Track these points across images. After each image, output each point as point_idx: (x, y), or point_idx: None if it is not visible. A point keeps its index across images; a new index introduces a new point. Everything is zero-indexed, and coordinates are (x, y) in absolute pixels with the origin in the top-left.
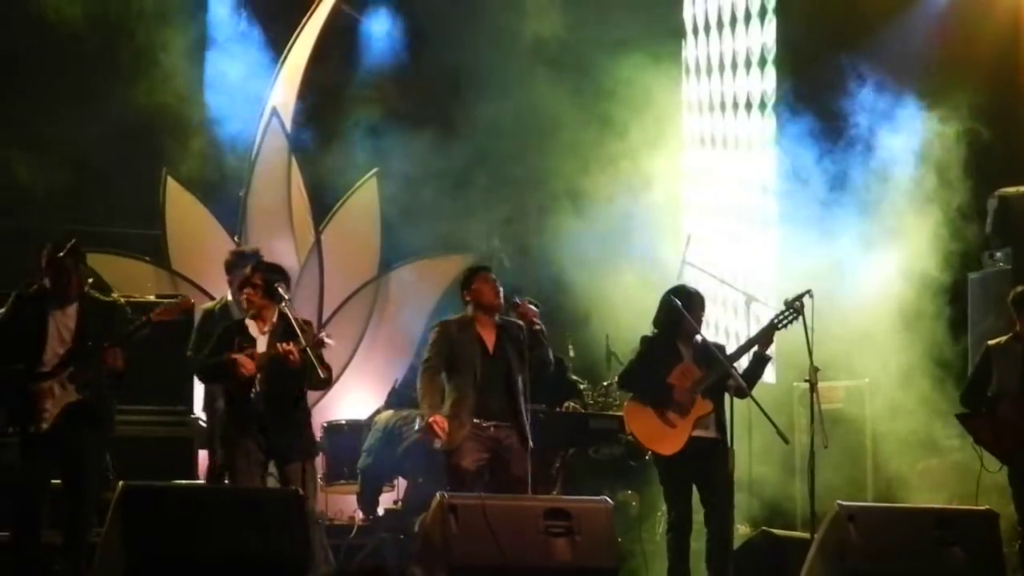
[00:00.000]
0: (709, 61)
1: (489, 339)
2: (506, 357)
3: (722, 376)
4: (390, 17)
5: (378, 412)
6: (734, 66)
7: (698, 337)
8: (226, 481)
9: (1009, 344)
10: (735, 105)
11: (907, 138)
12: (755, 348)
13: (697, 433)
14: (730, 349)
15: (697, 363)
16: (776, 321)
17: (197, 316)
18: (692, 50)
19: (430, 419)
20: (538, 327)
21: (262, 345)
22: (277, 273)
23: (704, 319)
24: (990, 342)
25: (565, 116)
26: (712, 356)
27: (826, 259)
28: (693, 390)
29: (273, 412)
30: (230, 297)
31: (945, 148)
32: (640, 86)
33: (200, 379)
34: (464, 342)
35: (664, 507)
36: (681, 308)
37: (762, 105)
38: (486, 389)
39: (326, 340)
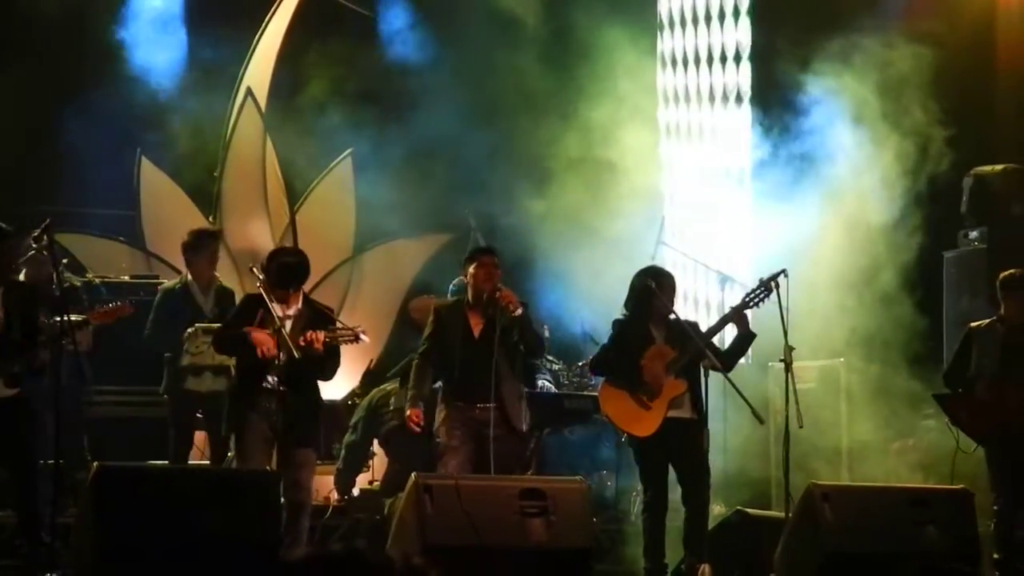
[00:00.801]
0: (685, 52)
1: (476, 325)
2: (491, 342)
3: (696, 355)
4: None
5: (353, 393)
6: (709, 59)
7: (671, 316)
8: (230, 455)
9: (991, 326)
10: (711, 95)
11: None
12: (732, 326)
13: (672, 414)
14: (705, 329)
15: (670, 343)
16: (748, 299)
17: (158, 296)
18: (668, 41)
19: (408, 412)
20: (518, 312)
21: (286, 328)
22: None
23: (675, 299)
24: (972, 324)
25: (541, 96)
26: (686, 335)
27: (800, 239)
28: (666, 371)
29: (290, 392)
30: (189, 276)
31: (920, 128)
32: (616, 65)
33: (217, 348)
34: (451, 326)
35: (640, 487)
36: (652, 288)
37: (738, 98)
38: (468, 373)
39: (362, 337)
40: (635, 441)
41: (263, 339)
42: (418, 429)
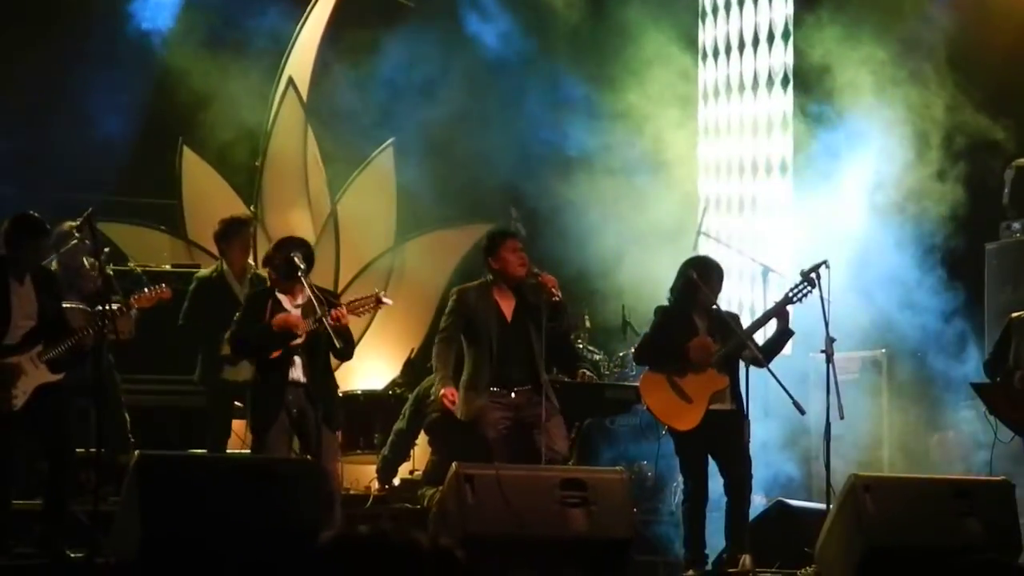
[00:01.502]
0: (728, 40)
1: (507, 307)
2: (524, 325)
3: (737, 348)
4: None
5: (394, 383)
6: (755, 41)
7: (714, 308)
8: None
9: None
10: (755, 83)
11: (922, 110)
12: (773, 321)
13: (714, 407)
14: (745, 320)
15: (712, 335)
16: (791, 294)
17: (193, 283)
18: (710, 30)
19: (441, 392)
20: (558, 299)
21: (297, 315)
22: (297, 247)
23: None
24: (1013, 315)
25: (582, 85)
26: (727, 328)
27: (842, 229)
28: (709, 363)
29: (308, 380)
30: (224, 265)
31: (963, 118)
32: (658, 57)
33: (237, 350)
34: (481, 310)
35: (680, 478)
36: (697, 279)
37: (784, 80)
38: (504, 358)
39: (384, 299)
40: (676, 433)
41: (293, 319)
42: (453, 407)
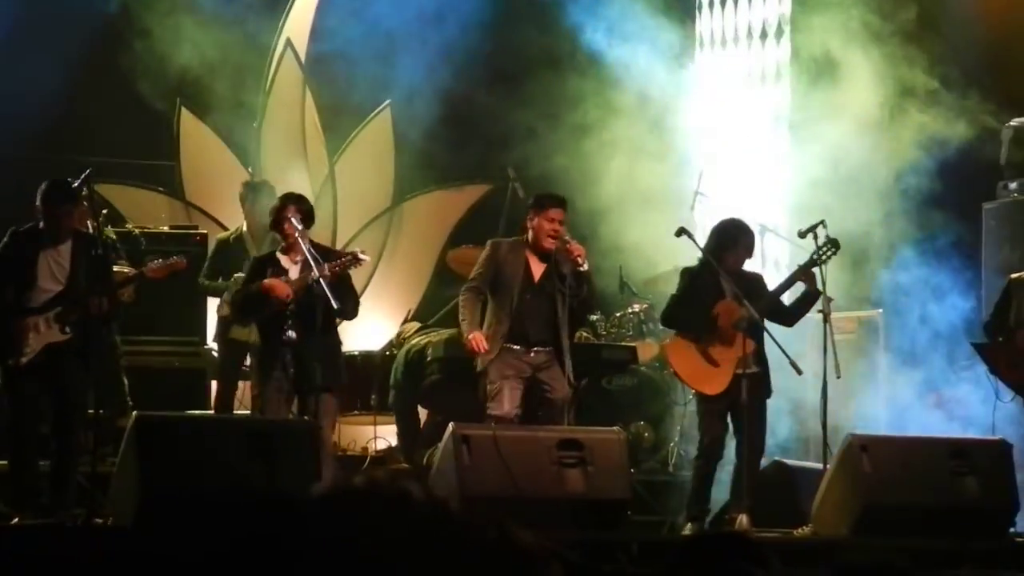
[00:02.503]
0: None
1: (537, 268)
2: (550, 289)
3: (765, 311)
4: None
5: (391, 344)
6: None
7: (742, 271)
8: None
9: None
10: (749, 35)
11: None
12: (799, 283)
13: (739, 371)
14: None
15: (738, 299)
16: (816, 256)
17: (211, 245)
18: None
19: (469, 336)
20: (584, 268)
21: (295, 275)
22: (294, 203)
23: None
24: (1013, 275)
25: (580, 48)
26: (755, 291)
27: (838, 189)
28: (736, 327)
29: (302, 340)
30: (245, 228)
31: (960, 77)
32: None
33: (236, 316)
34: (510, 265)
35: (676, 439)
36: (734, 239)
37: (779, 31)
38: (524, 317)
39: (361, 256)
40: (702, 396)
41: (276, 284)
42: (482, 348)
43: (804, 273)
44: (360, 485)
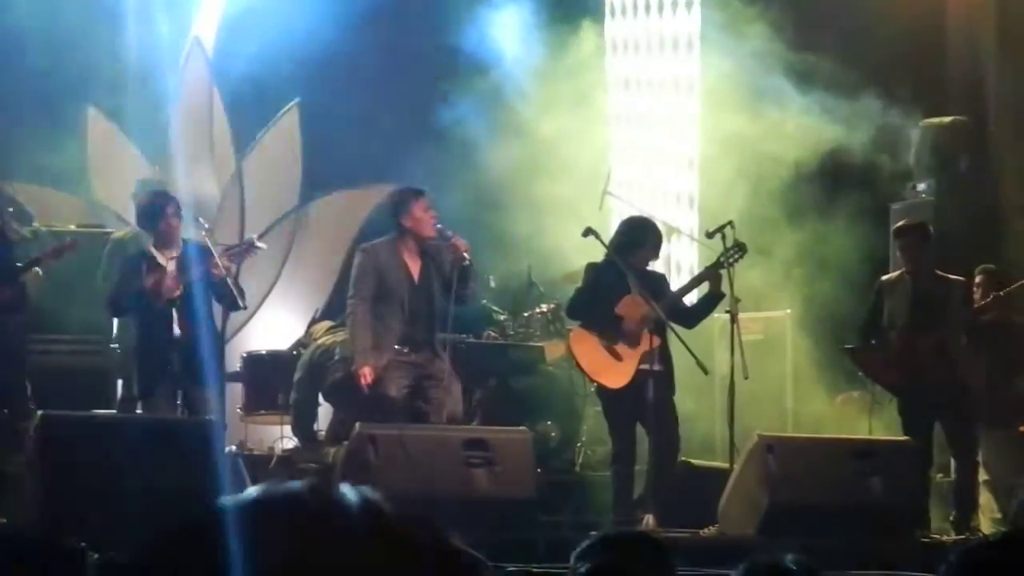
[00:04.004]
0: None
1: (414, 266)
2: (431, 285)
3: (669, 309)
4: None
5: (299, 343)
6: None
7: (647, 269)
8: (138, 411)
9: (901, 277)
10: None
11: (827, 72)
12: (703, 285)
13: (644, 367)
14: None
15: (643, 295)
16: (723, 258)
17: (108, 245)
18: None
19: (359, 370)
20: (468, 262)
21: (172, 271)
22: (170, 201)
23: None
24: (883, 277)
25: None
26: (659, 291)
27: (746, 191)
28: (642, 324)
29: (187, 337)
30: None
31: (869, 78)
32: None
33: (113, 312)
34: (391, 269)
35: (583, 438)
36: (642, 238)
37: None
38: (413, 319)
39: (258, 244)
40: (604, 392)
41: (161, 280)
42: (368, 383)
43: (710, 275)
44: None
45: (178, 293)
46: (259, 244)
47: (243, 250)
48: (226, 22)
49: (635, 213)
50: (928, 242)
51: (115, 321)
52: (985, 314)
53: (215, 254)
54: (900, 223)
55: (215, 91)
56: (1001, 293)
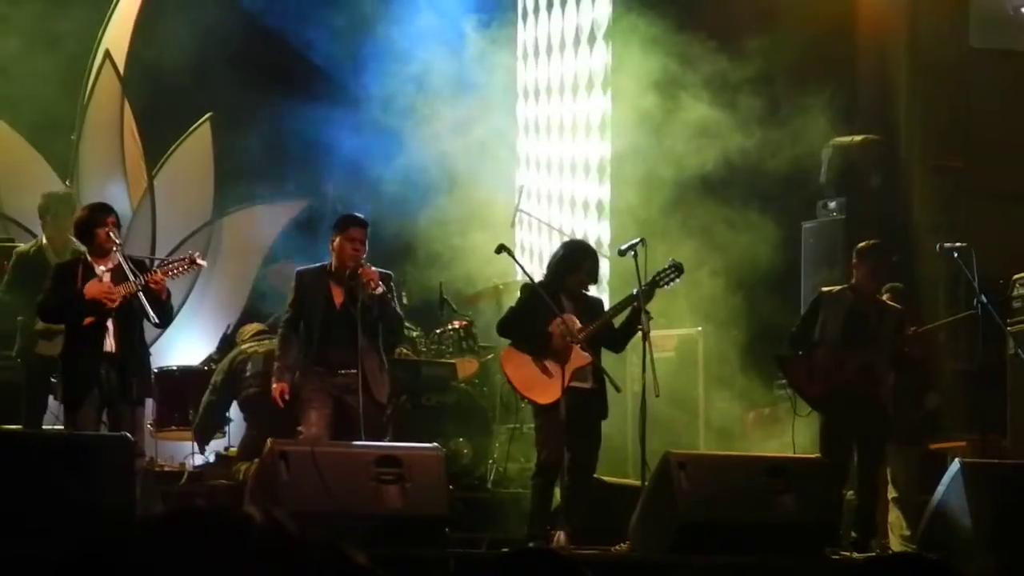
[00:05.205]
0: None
1: (337, 293)
2: (351, 311)
3: (602, 330)
4: None
5: (210, 358)
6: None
7: (583, 292)
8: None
9: (841, 293)
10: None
11: (738, 89)
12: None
13: (575, 384)
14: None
15: (579, 315)
16: (658, 279)
17: (13, 258)
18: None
19: (275, 387)
20: (380, 290)
21: (107, 281)
22: (108, 213)
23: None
24: (824, 289)
25: (399, 64)
26: (595, 311)
27: (658, 207)
28: (574, 341)
29: (121, 351)
30: (44, 240)
31: (780, 97)
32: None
33: (46, 317)
34: (314, 291)
35: (495, 456)
36: (578, 262)
37: (591, 37)
38: (329, 340)
39: (199, 260)
40: (535, 407)
41: (105, 290)
42: (282, 404)
43: (647, 295)
44: (200, 510)
45: (117, 304)
46: (200, 261)
47: (184, 266)
48: (138, 35)
49: (547, 231)
50: (891, 267)
51: (17, 335)
52: (910, 347)
53: (153, 268)
54: (872, 243)
55: (126, 105)
56: (921, 330)
